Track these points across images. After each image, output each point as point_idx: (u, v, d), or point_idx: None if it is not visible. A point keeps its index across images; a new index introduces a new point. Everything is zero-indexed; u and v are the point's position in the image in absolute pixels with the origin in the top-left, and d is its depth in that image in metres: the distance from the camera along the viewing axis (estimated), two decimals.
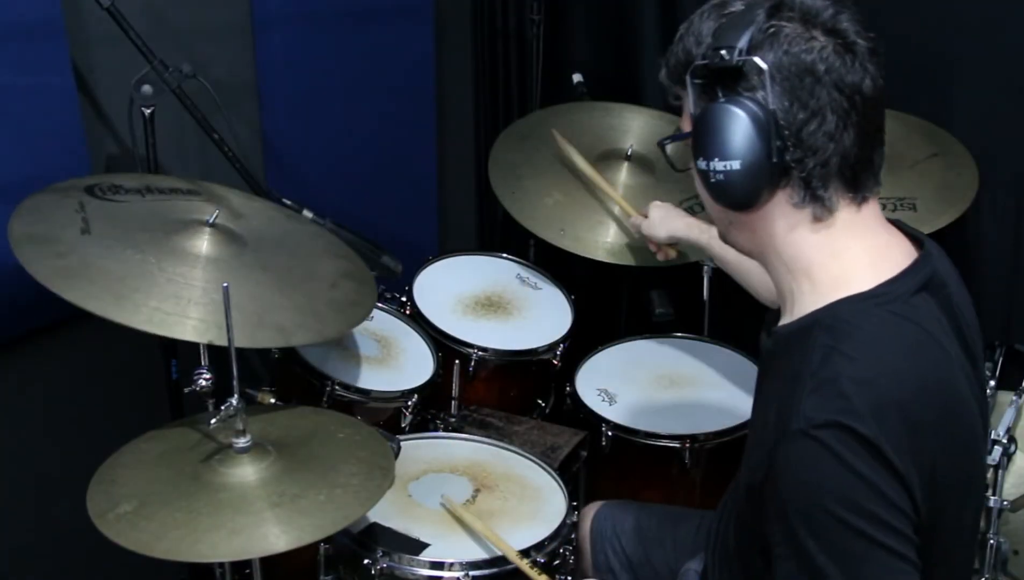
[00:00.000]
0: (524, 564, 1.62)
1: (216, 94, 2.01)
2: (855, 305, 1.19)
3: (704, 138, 1.20)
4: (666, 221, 2.16)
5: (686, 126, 1.29)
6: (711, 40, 1.21)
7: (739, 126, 1.17)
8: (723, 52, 1.17)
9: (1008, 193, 2.40)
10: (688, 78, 1.23)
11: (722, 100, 1.19)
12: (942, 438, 1.16)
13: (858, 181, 1.22)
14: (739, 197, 1.22)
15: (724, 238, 1.36)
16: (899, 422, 1.12)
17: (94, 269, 1.57)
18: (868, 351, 1.15)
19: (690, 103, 1.25)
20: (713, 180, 1.21)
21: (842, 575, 1.12)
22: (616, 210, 2.35)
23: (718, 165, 1.19)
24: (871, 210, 1.25)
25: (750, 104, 1.17)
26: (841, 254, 1.23)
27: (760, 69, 1.16)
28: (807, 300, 1.24)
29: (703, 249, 2.08)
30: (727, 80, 1.19)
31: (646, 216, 2.20)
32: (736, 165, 1.18)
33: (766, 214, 1.24)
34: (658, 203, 2.20)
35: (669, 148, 1.37)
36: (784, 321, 1.29)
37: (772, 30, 1.17)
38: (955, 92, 2.39)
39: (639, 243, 2.32)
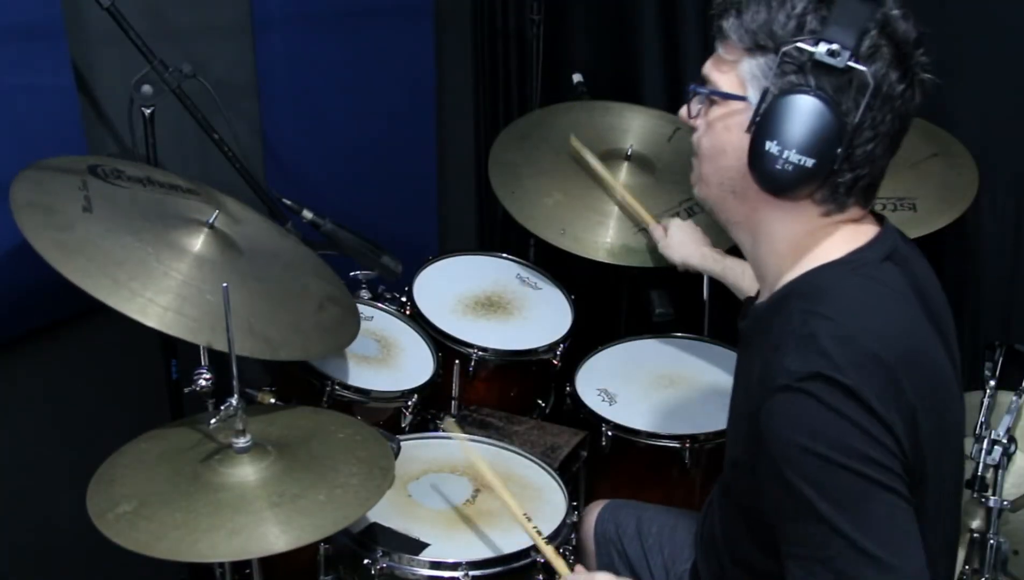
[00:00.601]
0: (548, 549, 1.61)
1: (216, 94, 2.01)
2: (828, 271, 1.24)
3: (787, 124, 1.19)
4: (683, 248, 2.17)
5: (723, 81, 1.26)
6: (816, 24, 1.18)
7: (829, 129, 1.18)
8: (834, 48, 1.16)
9: (1008, 193, 2.40)
10: (773, 56, 1.20)
11: (816, 93, 1.18)
12: (920, 392, 1.19)
13: (872, 195, 1.27)
14: (789, 187, 1.23)
15: (711, 201, 1.35)
16: (879, 374, 1.15)
17: (93, 249, 1.56)
18: (844, 310, 1.19)
19: (754, 70, 1.23)
20: (779, 165, 1.20)
21: (847, 518, 1.13)
22: (636, 215, 2.35)
23: (793, 156, 1.19)
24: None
25: (843, 112, 1.18)
26: (827, 237, 1.27)
27: (865, 83, 1.17)
28: (786, 277, 1.28)
29: (717, 278, 2.09)
30: (823, 75, 1.18)
31: (665, 229, 2.22)
32: (810, 163, 1.19)
33: (784, 202, 1.26)
34: (678, 222, 2.23)
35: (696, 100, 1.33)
36: (761, 300, 1.33)
37: (881, 44, 1.18)
38: (955, 92, 2.39)
39: (639, 244, 2.33)
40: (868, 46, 1.17)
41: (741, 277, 2.02)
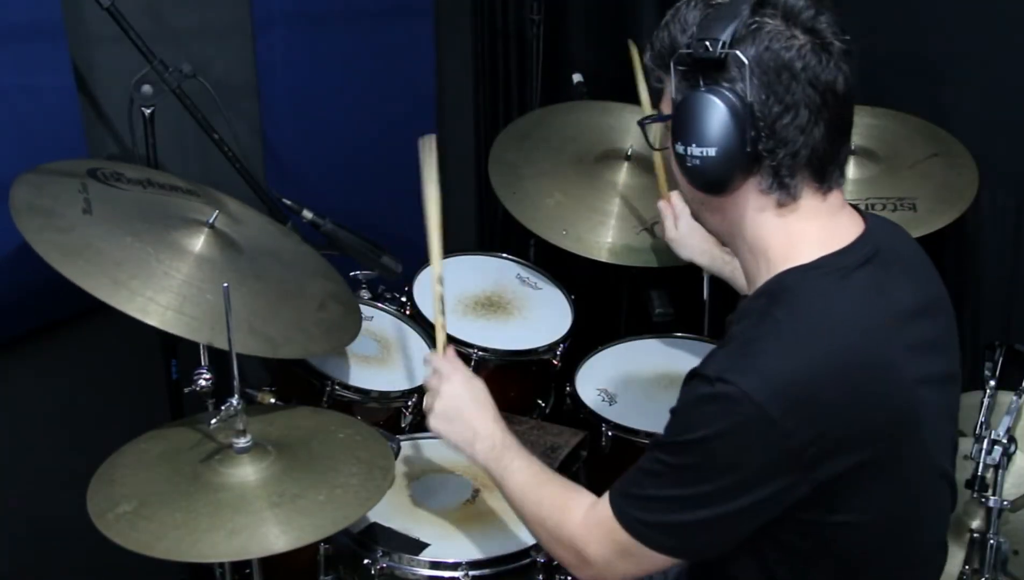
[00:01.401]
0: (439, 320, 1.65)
1: (216, 94, 2.01)
2: (798, 274, 1.26)
3: (684, 124, 1.25)
4: (691, 246, 2.12)
5: (666, 108, 1.33)
6: (696, 30, 1.25)
7: (718, 115, 1.22)
8: (707, 43, 1.22)
9: (1008, 193, 2.40)
10: (672, 64, 1.27)
11: (703, 89, 1.23)
12: (852, 413, 1.20)
13: (824, 173, 1.27)
14: (712, 182, 1.27)
15: (696, 217, 1.42)
16: (796, 394, 1.17)
17: (93, 250, 1.57)
18: (794, 319, 1.21)
19: (671, 88, 1.29)
20: (689, 164, 1.26)
21: (648, 486, 1.26)
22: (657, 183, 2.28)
23: (695, 150, 1.24)
24: (836, 197, 1.31)
25: (729, 95, 1.22)
26: (796, 235, 1.28)
27: (741, 63, 1.21)
28: (763, 276, 1.30)
29: (727, 282, 2.08)
30: (709, 70, 1.24)
31: (676, 217, 2.15)
32: (712, 152, 1.24)
33: (735, 199, 1.29)
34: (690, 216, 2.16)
35: (649, 129, 1.42)
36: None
37: (755, 25, 1.21)
38: (955, 92, 2.39)
39: (641, 243, 2.32)
40: (740, 28, 1.21)
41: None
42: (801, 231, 1.28)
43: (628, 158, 2.46)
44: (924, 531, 1.37)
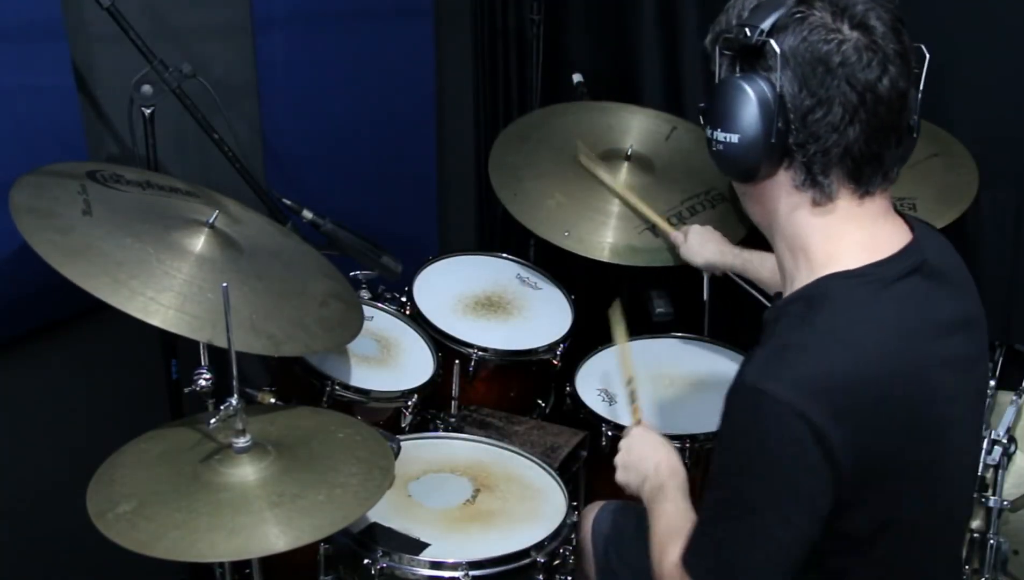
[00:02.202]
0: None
1: (216, 94, 2.01)
2: (839, 281, 1.23)
3: (714, 108, 1.25)
4: (702, 249, 2.19)
5: None
6: (747, 16, 1.23)
7: (744, 102, 1.21)
8: (747, 30, 1.20)
9: (1008, 193, 2.40)
10: (718, 48, 1.27)
11: (738, 75, 1.22)
12: (885, 423, 1.18)
13: (861, 174, 1.24)
14: (735, 169, 1.26)
15: (744, 207, 1.39)
16: (832, 401, 1.15)
17: (94, 250, 1.57)
18: (833, 326, 1.19)
19: (717, 72, 1.28)
20: (714, 148, 1.27)
21: (709, 528, 1.26)
22: (654, 223, 2.34)
23: (720, 136, 1.25)
24: (876, 204, 1.27)
25: (760, 83, 1.20)
26: (836, 237, 1.26)
27: (775, 52, 1.19)
28: (802, 277, 1.28)
29: (739, 273, 2.10)
30: (749, 57, 1.23)
31: (684, 234, 2.23)
32: (735, 139, 1.23)
33: (769, 190, 1.27)
34: (696, 227, 2.24)
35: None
36: (784, 296, 1.33)
37: (799, 16, 1.19)
38: (955, 92, 2.39)
39: (643, 243, 2.33)
40: (783, 18, 1.19)
41: (760, 268, 2.05)
42: (843, 234, 1.26)
43: (628, 158, 2.46)
44: (946, 546, 1.36)
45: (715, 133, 1.25)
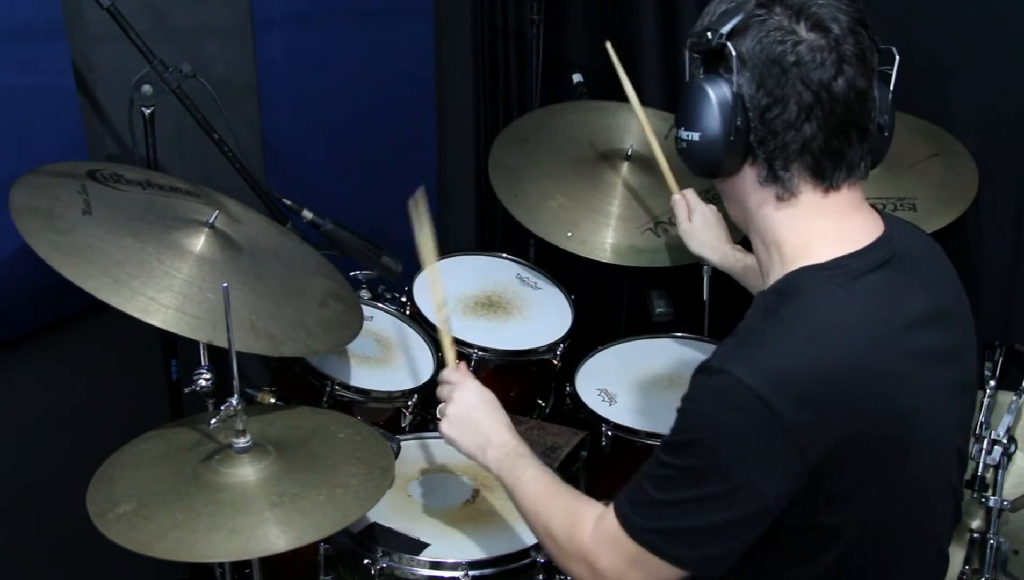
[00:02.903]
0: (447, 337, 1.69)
1: (216, 94, 2.01)
2: (808, 274, 1.26)
3: (680, 108, 1.32)
4: (702, 241, 2.10)
5: None
6: (713, 20, 1.29)
7: (704, 102, 1.27)
8: (708, 34, 1.26)
9: (1008, 193, 2.40)
10: (686, 52, 1.33)
11: (701, 77, 1.29)
12: (849, 412, 1.20)
13: (823, 170, 1.28)
14: (698, 165, 1.32)
15: (724, 206, 1.44)
16: (793, 390, 1.17)
17: (94, 250, 1.57)
18: (799, 317, 1.22)
19: (687, 74, 1.35)
20: (678, 146, 1.34)
21: (654, 491, 1.25)
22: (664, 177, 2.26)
23: (683, 133, 1.32)
24: (844, 198, 1.30)
25: (720, 84, 1.26)
26: (803, 231, 1.30)
27: (732, 54, 1.24)
28: (776, 270, 1.32)
29: (736, 277, 2.07)
30: (710, 60, 1.29)
31: (689, 210, 2.14)
32: (696, 137, 1.29)
33: (740, 187, 1.33)
34: (703, 208, 2.13)
35: None
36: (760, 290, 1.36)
37: (756, 19, 1.24)
38: (955, 92, 2.39)
39: (645, 244, 2.32)
40: (741, 21, 1.25)
41: (760, 277, 2.01)
42: (810, 227, 1.29)
43: (628, 158, 2.46)
44: (924, 540, 1.36)
45: (679, 131, 1.32)
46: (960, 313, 1.36)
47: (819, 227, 1.29)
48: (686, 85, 1.31)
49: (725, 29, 1.25)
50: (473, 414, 1.57)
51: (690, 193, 2.16)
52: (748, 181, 1.31)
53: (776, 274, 1.31)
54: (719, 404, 1.19)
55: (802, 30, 1.23)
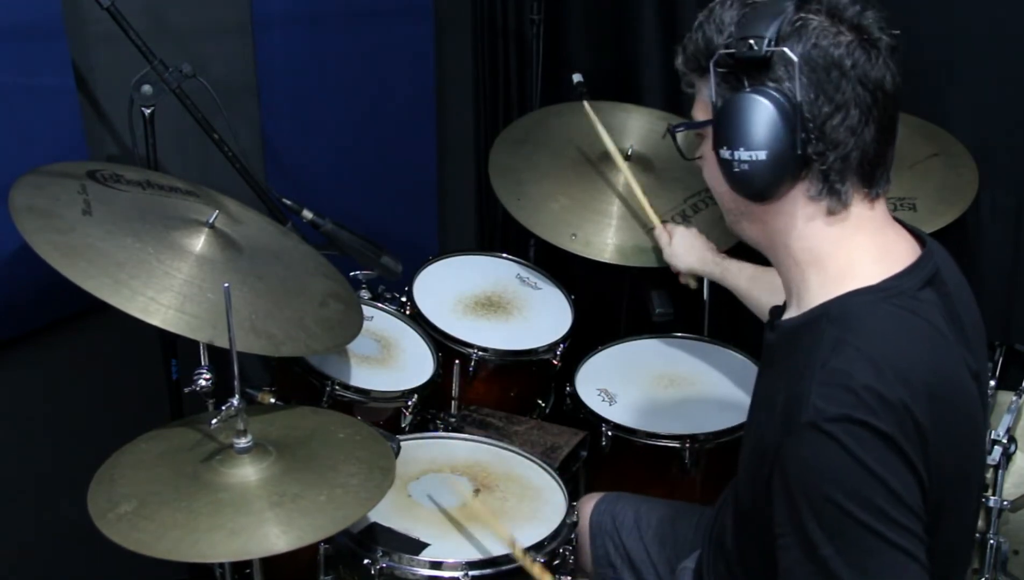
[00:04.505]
0: (526, 559, 1.61)
1: (216, 94, 2.01)
2: (863, 298, 1.20)
3: (729, 127, 1.21)
4: (686, 255, 2.17)
5: (700, 114, 1.29)
6: (735, 29, 1.21)
7: (767, 116, 1.17)
8: (751, 42, 1.17)
9: (1008, 193, 2.40)
10: (711, 66, 1.22)
11: (748, 90, 1.19)
12: (947, 434, 1.17)
13: (873, 177, 1.23)
14: (761, 188, 1.22)
15: (732, 228, 1.36)
16: (908, 417, 1.12)
17: (94, 250, 1.57)
18: (877, 345, 1.15)
19: (711, 91, 1.24)
20: (737, 169, 1.22)
21: (847, 566, 1.11)
22: (643, 215, 2.33)
23: (743, 155, 1.20)
24: (881, 207, 1.27)
25: (777, 95, 1.17)
26: (850, 248, 1.24)
27: (789, 60, 1.16)
28: (815, 293, 1.25)
29: (717, 281, 2.10)
30: (754, 70, 1.20)
31: (670, 235, 2.21)
32: (762, 155, 1.19)
33: (782, 206, 1.25)
34: (682, 230, 2.21)
35: (679, 137, 1.37)
36: (789, 314, 1.30)
37: (800, 23, 1.18)
38: (955, 92, 2.39)
39: (645, 244, 2.32)
40: (785, 26, 1.17)
41: (738, 277, 2.03)
42: (855, 243, 1.24)
43: (628, 158, 2.46)
44: (962, 548, 1.35)
45: (737, 153, 1.20)
46: (983, 332, 1.34)
47: (862, 242, 1.24)
48: (730, 101, 1.20)
49: (770, 35, 1.16)
50: None
51: (669, 225, 2.23)
52: (794, 199, 1.23)
53: (814, 297, 1.24)
54: (845, 466, 1.11)
55: (844, 29, 1.18)
